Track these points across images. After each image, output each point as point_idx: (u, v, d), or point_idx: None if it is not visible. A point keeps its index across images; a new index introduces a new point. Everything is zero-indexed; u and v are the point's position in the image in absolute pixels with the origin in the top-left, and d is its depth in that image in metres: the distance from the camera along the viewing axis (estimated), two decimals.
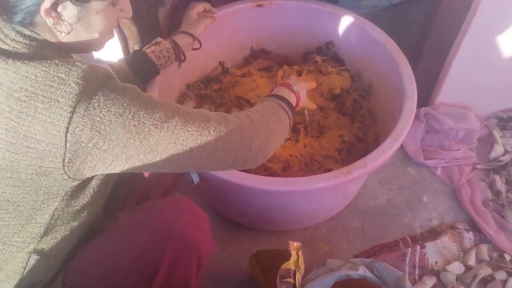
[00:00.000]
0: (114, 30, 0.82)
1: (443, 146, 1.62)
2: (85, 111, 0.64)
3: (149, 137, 0.70)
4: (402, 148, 1.63)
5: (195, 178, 1.02)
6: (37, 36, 0.69)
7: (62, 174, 0.68)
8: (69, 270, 0.85)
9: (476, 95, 1.64)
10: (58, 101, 0.63)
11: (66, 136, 0.64)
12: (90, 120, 0.65)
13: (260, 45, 1.65)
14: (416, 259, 1.37)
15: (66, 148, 0.65)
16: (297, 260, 1.08)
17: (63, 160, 0.66)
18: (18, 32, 0.68)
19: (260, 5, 1.52)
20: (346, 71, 1.55)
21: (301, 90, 1.09)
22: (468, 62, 1.50)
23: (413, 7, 2.14)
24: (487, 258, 1.35)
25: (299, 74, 1.54)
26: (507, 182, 1.54)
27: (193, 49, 1.24)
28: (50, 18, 0.67)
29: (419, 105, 1.47)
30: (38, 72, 0.64)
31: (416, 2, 2.16)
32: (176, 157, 0.74)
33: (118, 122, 0.67)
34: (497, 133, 1.65)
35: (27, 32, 0.69)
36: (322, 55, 1.59)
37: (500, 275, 1.29)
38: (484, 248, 1.37)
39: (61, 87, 0.64)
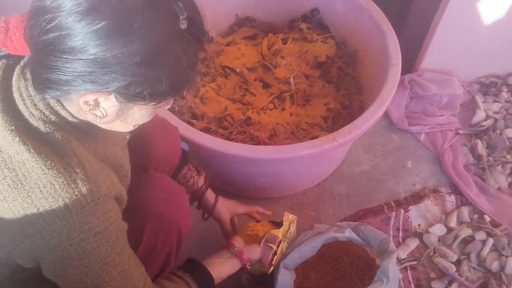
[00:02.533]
0: None
1: (427, 112, 1.64)
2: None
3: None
4: (386, 114, 1.65)
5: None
6: (65, 115, 0.64)
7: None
8: None
9: (459, 61, 1.66)
10: (38, 208, 0.61)
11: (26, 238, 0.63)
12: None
13: (245, 12, 1.63)
14: (400, 223, 1.41)
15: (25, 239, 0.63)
16: (287, 231, 1.10)
17: (18, 245, 0.64)
18: (48, 105, 0.63)
19: None
20: (331, 39, 1.54)
21: (247, 250, 1.04)
22: (452, 28, 1.51)
23: None
24: (468, 220, 1.40)
25: (285, 42, 1.53)
26: (488, 147, 1.57)
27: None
28: (88, 106, 0.62)
29: (404, 72, 1.47)
30: (37, 167, 0.61)
31: None
32: None
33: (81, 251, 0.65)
34: (479, 99, 1.68)
35: (58, 108, 0.63)
36: (307, 23, 1.58)
37: (480, 235, 1.34)
38: (465, 210, 1.41)
39: (49, 199, 0.61)
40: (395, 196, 1.48)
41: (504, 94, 1.68)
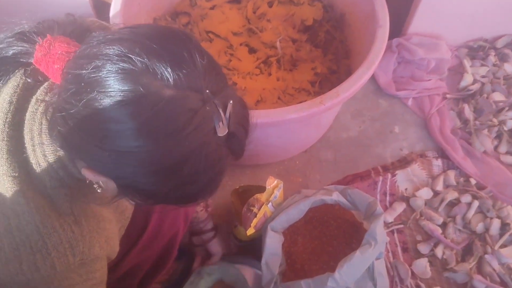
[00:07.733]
0: None
1: (414, 76, 1.63)
2: None
3: None
4: (374, 80, 1.63)
5: None
6: (74, 172, 0.57)
7: None
8: None
9: (448, 24, 1.64)
10: (21, 261, 0.57)
11: None
12: None
13: None
14: (387, 187, 1.41)
15: None
16: (270, 195, 1.10)
17: None
18: (58, 159, 0.57)
19: None
20: (318, 1, 1.51)
21: None
22: None
23: None
24: (454, 183, 1.41)
25: (270, 5, 1.49)
26: (475, 111, 1.57)
27: None
28: (88, 179, 0.56)
29: (391, 36, 1.45)
30: (32, 224, 0.56)
31: None
32: None
33: None
34: (467, 63, 1.67)
35: (68, 163, 0.57)
36: None
37: (466, 198, 1.35)
38: (451, 174, 1.42)
39: (37, 255, 0.56)
40: (382, 161, 1.48)
41: (492, 58, 1.67)
